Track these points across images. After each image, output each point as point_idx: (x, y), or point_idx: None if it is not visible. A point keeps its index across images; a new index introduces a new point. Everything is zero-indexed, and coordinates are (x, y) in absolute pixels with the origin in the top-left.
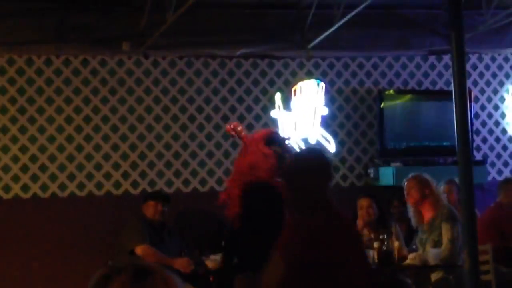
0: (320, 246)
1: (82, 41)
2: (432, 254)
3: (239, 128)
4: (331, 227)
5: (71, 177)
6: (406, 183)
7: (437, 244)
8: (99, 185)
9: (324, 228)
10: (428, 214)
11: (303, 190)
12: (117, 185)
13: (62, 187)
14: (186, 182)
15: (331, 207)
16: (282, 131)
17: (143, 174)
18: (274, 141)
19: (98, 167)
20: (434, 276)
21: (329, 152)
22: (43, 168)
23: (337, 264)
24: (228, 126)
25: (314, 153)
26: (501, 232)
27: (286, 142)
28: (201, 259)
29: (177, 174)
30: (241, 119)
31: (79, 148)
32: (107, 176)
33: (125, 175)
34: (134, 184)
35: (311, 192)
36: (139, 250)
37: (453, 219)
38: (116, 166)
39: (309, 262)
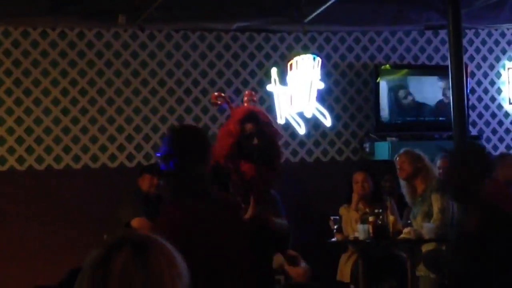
0: (197, 233)
1: (78, 14)
2: (426, 228)
3: (226, 97)
4: (208, 213)
5: (67, 149)
6: (397, 158)
7: (427, 215)
8: (94, 158)
9: (201, 215)
10: (420, 188)
11: (180, 174)
12: (113, 158)
13: (58, 159)
14: None
15: (209, 193)
16: (278, 105)
17: (138, 147)
18: (251, 119)
19: (93, 139)
20: (425, 247)
21: (325, 125)
22: (38, 140)
23: (216, 251)
24: (214, 94)
25: (188, 133)
26: None
27: (268, 124)
28: None
29: None
30: (237, 93)
31: (75, 121)
32: (103, 148)
33: (121, 148)
34: (130, 157)
35: (187, 176)
36: (135, 222)
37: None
38: (112, 139)
39: (188, 250)
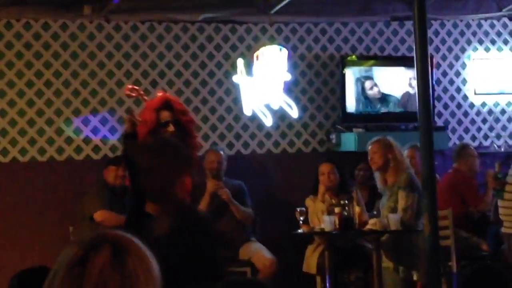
0: None
1: (43, 4)
2: (392, 219)
3: (139, 90)
4: None
5: (32, 141)
6: (370, 147)
7: (393, 210)
8: (60, 150)
9: None
10: (390, 180)
11: None
12: (79, 150)
13: (23, 151)
14: None
15: None
16: (244, 96)
17: (104, 139)
18: (167, 107)
19: (59, 132)
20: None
21: (292, 117)
22: (3, 132)
23: None
24: (127, 87)
25: None
26: (461, 197)
27: (184, 112)
28: None
29: None
30: (203, 84)
31: (40, 113)
32: (68, 141)
33: (86, 140)
34: (96, 149)
35: None
36: (97, 216)
37: (410, 187)
38: (77, 131)
39: None
